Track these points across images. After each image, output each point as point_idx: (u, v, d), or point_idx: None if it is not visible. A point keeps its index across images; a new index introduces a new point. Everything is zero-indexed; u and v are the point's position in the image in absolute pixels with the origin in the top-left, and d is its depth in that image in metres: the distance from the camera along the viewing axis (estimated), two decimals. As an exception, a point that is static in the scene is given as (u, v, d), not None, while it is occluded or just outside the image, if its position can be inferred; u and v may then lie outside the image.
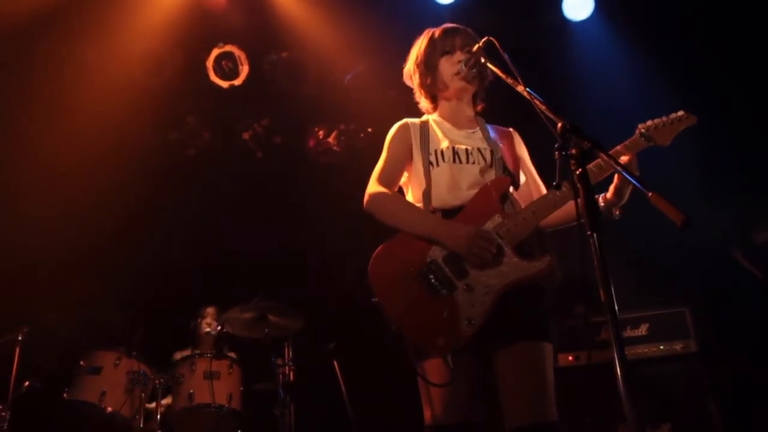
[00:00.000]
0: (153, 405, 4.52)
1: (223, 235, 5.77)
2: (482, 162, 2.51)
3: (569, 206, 2.33)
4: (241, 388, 4.63)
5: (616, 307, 1.57)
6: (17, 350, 4.41)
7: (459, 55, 2.57)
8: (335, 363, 4.75)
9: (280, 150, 6.04)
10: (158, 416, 4.46)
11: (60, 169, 5.27)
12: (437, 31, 2.66)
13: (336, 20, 5.42)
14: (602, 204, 2.41)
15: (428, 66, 2.64)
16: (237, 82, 5.70)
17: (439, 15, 5.30)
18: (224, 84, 5.68)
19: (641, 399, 4.16)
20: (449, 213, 2.43)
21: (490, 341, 2.29)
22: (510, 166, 2.53)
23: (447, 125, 2.63)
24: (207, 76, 5.66)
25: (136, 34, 5.33)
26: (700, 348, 4.29)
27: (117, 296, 5.33)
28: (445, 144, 2.54)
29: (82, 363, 4.43)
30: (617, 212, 2.40)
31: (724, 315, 4.67)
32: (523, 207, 2.46)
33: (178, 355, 4.99)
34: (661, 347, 4.35)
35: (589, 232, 1.63)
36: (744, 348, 4.52)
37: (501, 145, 2.59)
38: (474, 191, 2.44)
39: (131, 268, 5.41)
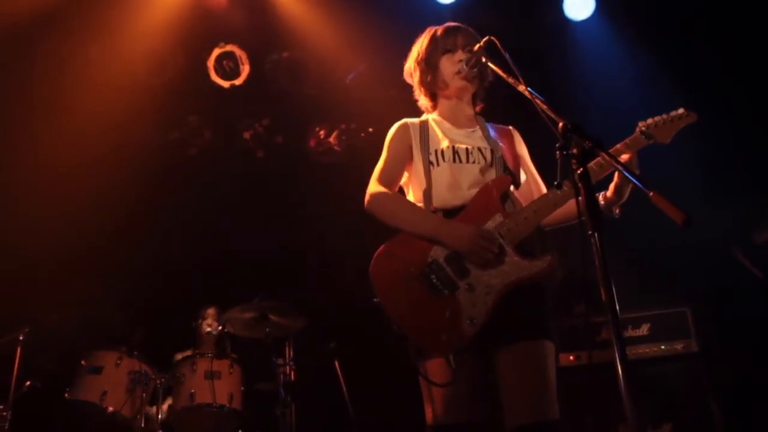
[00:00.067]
0: (154, 410, 4.52)
1: (224, 235, 5.77)
2: (482, 161, 2.51)
3: (570, 205, 2.33)
4: (242, 388, 4.63)
5: (617, 307, 1.57)
6: (18, 350, 4.41)
7: (460, 54, 2.58)
8: (336, 363, 4.75)
9: (281, 150, 6.04)
10: (159, 416, 4.47)
11: (60, 169, 5.27)
12: (439, 30, 2.66)
13: (337, 20, 5.42)
14: (602, 202, 2.41)
15: (429, 64, 2.64)
16: (238, 81, 5.69)
17: (440, 15, 5.30)
18: (225, 84, 5.68)
19: (642, 399, 4.15)
20: (450, 213, 2.43)
21: (491, 341, 2.29)
22: (510, 164, 2.53)
23: (447, 125, 2.63)
24: (208, 75, 5.65)
25: (137, 34, 5.32)
26: (702, 348, 4.29)
27: (117, 296, 5.33)
28: (445, 144, 2.54)
29: (83, 363, 4.43)
30: (617, 211, 2.40)
31: (725, 315, 4.67)
32: (523, 206, 2.45)
33: (179, 356, 4.99)
34: (662, 347, 4.34)
35: (590, 232, 1.62)
36: (745, 348, 4.51)
37: (501, 143, 2.59)
38: (475, 191, 2.43)
39: (131, 268, 5.41)
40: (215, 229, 5.79)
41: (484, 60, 2.47)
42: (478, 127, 2.64)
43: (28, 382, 4.35)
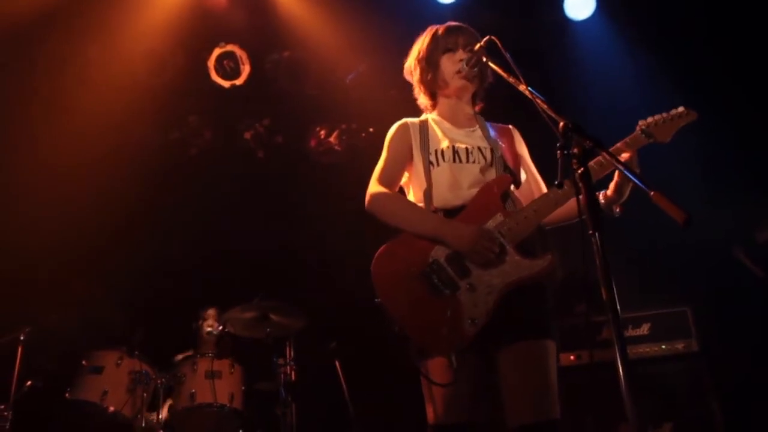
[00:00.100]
0: (154, 416, 4.52)
1: (224, 235, 5.77)
2: (483, 161, 2.51)
3: (570, 204, 2.33)
4: (243, 388, 4.64)
5: (618, 306, 1.57)
6: (19, 350, 4.41)
7: (461, 54, 2.57)
8: (336, 363, 4.75)
9: (282, 150, 6.04)
10: (160, 416, 4.47)
11: (60, 169, 5.27)
12: (440, 29, 2.66)
13: (337, 20, 5.42)
14: (603, 201, 2.41)
15: (429, 62, 2.64)
16: (238, 81, 5.69)
17: (440, 14, 5.30)
18: (226, 83, 5.68)
19: (643, 398, 4.15)
20: (451, 212, 2.43)
21: (493, 340, 2.29)
22: (510, 164, 2.53)
23: (446, 124, 2.63)
24: (208, 75, 5.65)
25: (137, 34, 5.32)
26: (702, 347, 4.29)
27: (117, 296, 5.33)
28: (445, 143, 2.54)
29: (84, 362, 4.43)
30: (618, 209, 2.40)
31: (726, 314, 4.67)
32: (524, 205, 2.45)
33: (179, 357, 4.99)
34: (663, 346, 4.34)
35: (590, 231, 1.62)
36: (746, 347, 4.52)
37: (501, 143, 2.59)
38: (475, 190, 2.43)
39: (131, 268, 5.41)
40: (215, 229, 5.79)
41: (484, 59, 2.47)
42: (477, 126, 2.64)
43: (29, 382, 4.35)
